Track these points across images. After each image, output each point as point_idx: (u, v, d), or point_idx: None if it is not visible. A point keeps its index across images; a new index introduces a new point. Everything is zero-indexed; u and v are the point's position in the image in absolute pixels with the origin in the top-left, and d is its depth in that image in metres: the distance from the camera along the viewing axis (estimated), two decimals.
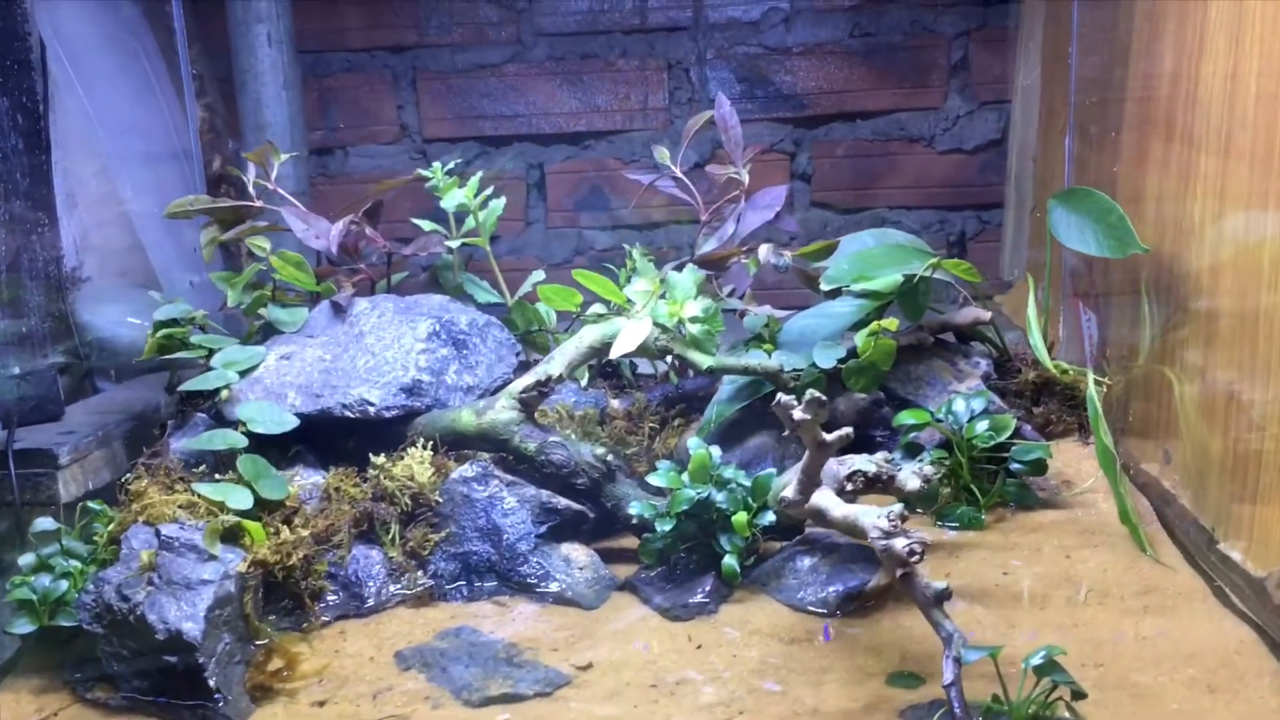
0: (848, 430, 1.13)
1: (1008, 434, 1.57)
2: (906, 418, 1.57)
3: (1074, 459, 1.71)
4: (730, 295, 1.84)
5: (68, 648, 1.28)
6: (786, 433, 1.59)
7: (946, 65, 2.62)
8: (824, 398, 1.07)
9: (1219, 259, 1.37)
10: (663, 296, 1.57)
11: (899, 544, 1.10)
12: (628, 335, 1.48)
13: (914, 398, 1.73)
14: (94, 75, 2.30)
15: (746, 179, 1.79)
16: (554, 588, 1.41)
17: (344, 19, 2.70)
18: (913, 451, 1.57)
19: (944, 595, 1.10)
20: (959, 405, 1.59)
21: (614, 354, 1.48)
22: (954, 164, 2.71)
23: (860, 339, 1.61)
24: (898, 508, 1.20)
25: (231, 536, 1.32)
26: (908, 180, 2.73)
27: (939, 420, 1.59)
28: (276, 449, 1.56)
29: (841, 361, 1.62)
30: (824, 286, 1.63)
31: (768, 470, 1.41)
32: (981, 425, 1.55)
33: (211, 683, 1.18)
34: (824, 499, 1.27)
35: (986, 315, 1.79)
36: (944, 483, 1.59)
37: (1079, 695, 1.06)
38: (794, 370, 1.62)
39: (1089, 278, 1.86)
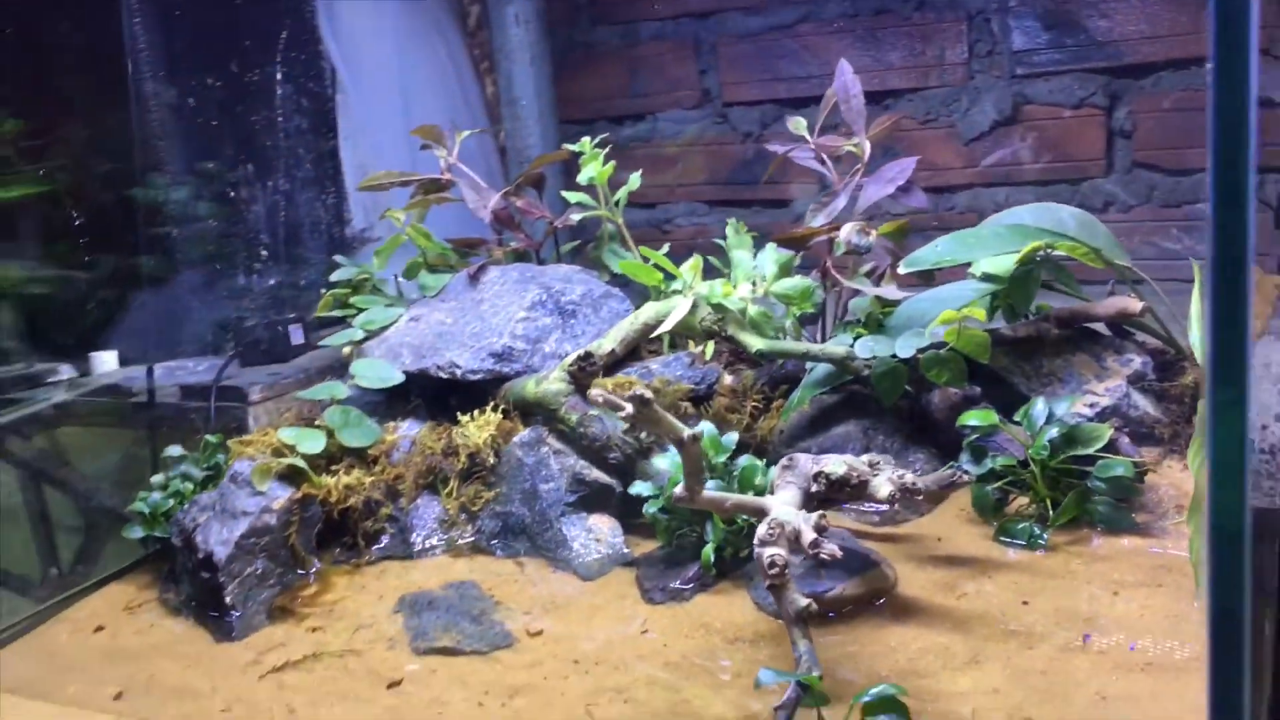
0: (700, 429, 1.08)
1: (1098, 445, 1.38)
2: (971, 418, 1.43)
3: None
4: (869, 275, 1.75)
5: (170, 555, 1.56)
6: (871, 423, 1.53)
7: None
8: (649, 395, 1.03)
9: None
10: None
11: (767, 553, 1.05)
12: (673, 314, 1.49)
13: (1039, 394, 1.56)
14: (403, 63, 2.63)
15: (868, 150, 1.69)
16: (566, 555, 1.47)
17: None
18: (978, 455, 1.44)
19: (804, 613, 1.03)
20: (1038, 408, 1.42)
21: (659, 332, 1.49)
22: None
23: (944, 327, 1.48)
24: (814, 516, 1.13)
25: (293, 476, 1.52)
26: (1260, 136, 2.35)
27: (1016, 423, 1.43)
28: (401, 401, 1.75)
29: (922, 351, 1.50)
30: (903, 269, 1.51)
31: (754, 461, 1.36)
32: (1050, 433, 1.38)
33: (228, 600, 1.39)
34: (776, 500, 1.22)
35: (1137, 306, 1.56)
36: (1022, 493, 1.43)
37: None
38: (869, 357, 1.52)
39: None
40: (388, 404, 1.75)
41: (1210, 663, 0.70)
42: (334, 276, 1.91)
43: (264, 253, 2.27)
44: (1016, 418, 1.43)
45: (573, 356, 1.55)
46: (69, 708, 1.24)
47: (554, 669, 1.23)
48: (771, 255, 1.57)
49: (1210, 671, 0.71)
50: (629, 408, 1.01)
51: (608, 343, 1.54)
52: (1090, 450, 1.38)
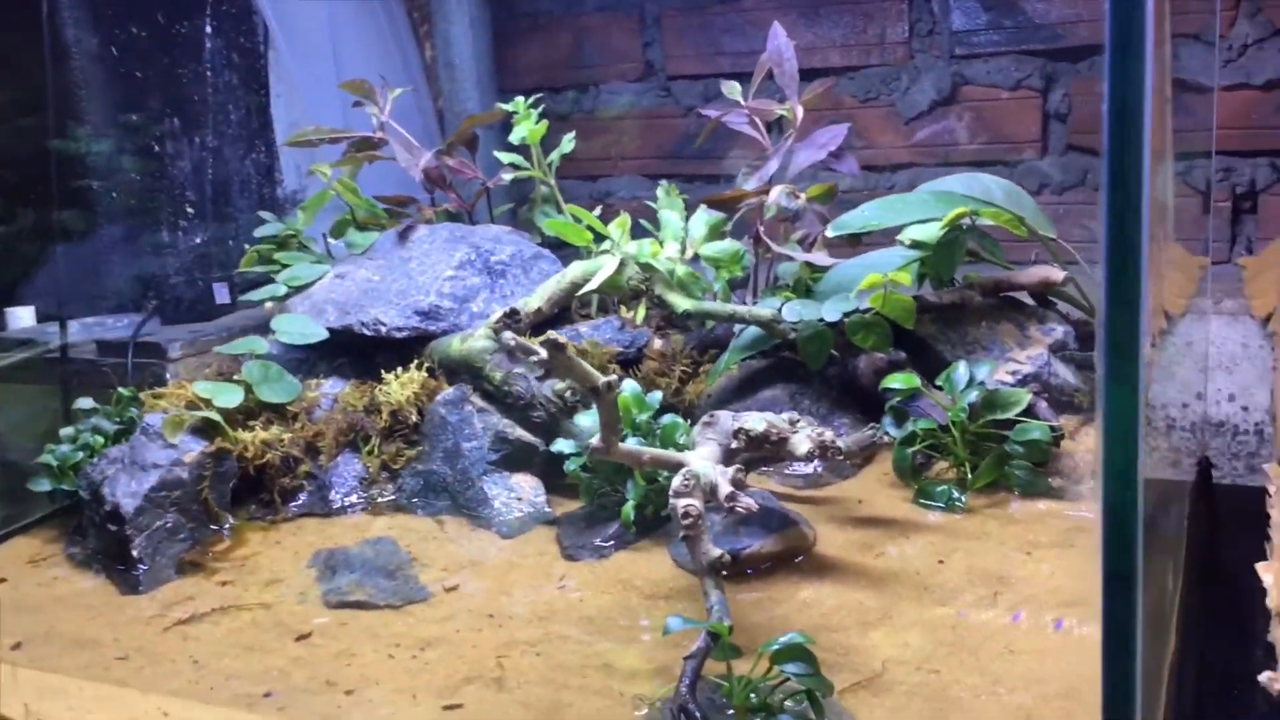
0: (615, 378, 1.07)
1: (1016, 410, 1.39)
2: (894, 381, 1.43)
3: None
4: (801, 242, 1.75)
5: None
6: (798, 387, 1.53)
7: None
8: (562, 340, 1.02)
9: None
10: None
11: (681, 504, 1.04)
12: (599, 273, 1.47)
13: (963, 361, 1.56)
14: (338, 23, 2.57)
15: (800, 115, 1.68)
16: (486, 513, 1.45)
17: None
18: (899, 418, 1.44)
19: (717, 563, 1.02)
20: (959, 372, 1.43)
21: (583, 291, 1.48)
22: (1241, 102, 2.30)
23: (869, 292, 1.48)
24: (731, 470, 1.12)
25: (208, 430, 1.49)
26: (1185, 122, 2.37)
27: (938, 388, 1.44)
28: (325, 359, 1.72)
29: (848, 315, 1.50)
30: (831, 233, 1.51)
31: (676, 419, 1.35)
32: (970, 396, 1.38)
33: (135, 553, 1.36)
34: (695, 455, 1.21)
35: (1059, 275, 1.58)
36: (943, 457, 1.44)
37: (825, 691, 0.96)
38: (795, 321, 1.52)
39: None
40: (311, 362, 1.72)
41: (1104, 624, 0.71)
42: (259, 232, 1.87)
43: (189, 209, 2.21)
44: (939, 382, 1.44)
45: (498, 314, 1.53)
46: None
47: (467, 622, 1.22)
48: (702, 218, 1.56)
49: (1104, 631, 0.72)
50: (542, 352, 1.00)
51: (534, 300, 1.53)
52: (1009, 414, 1.39)
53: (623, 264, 1.50)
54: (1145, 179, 0.66)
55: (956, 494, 1.38)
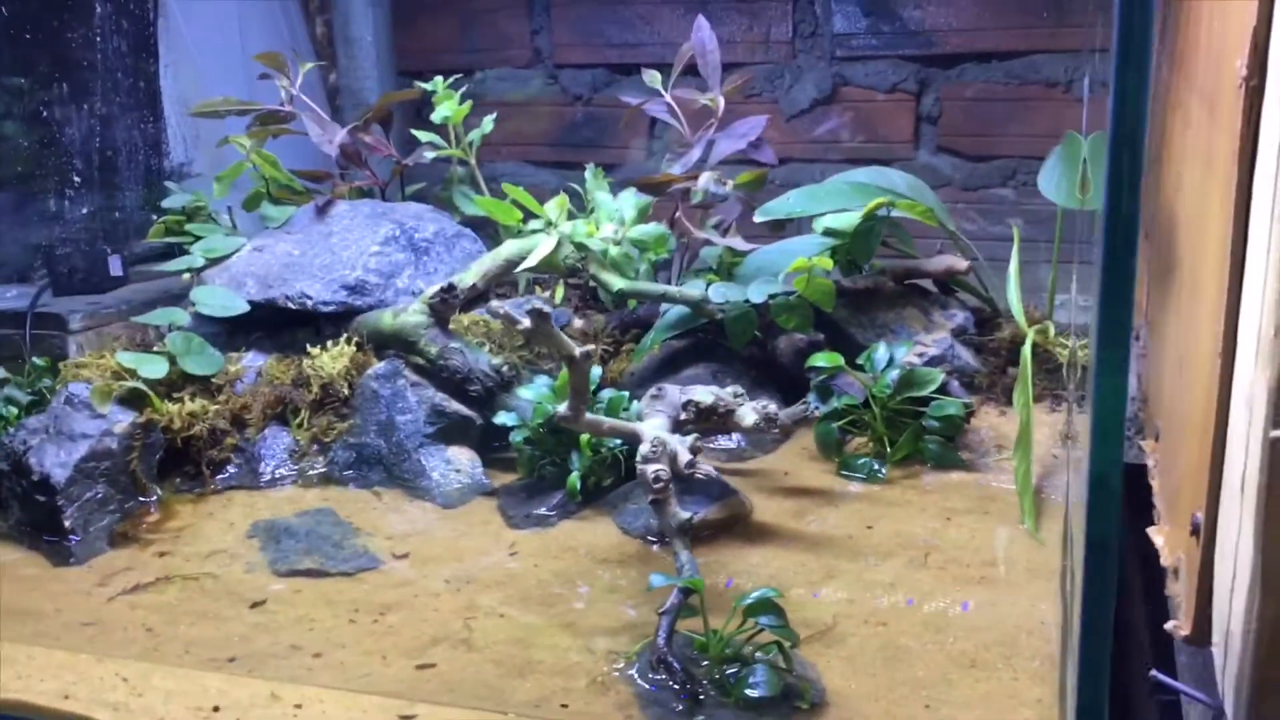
0: (591, 347, 1.12)
1: (931, 388, 1.49)
2: (819, 360, 1.51)
3: None
4: (715, 228, 1.82)
5: None
6: (719, 366, 1.59)
7: (1090, 2, 2.41)
8: (547, 309, 1.06)
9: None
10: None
11: (651, 469, 1.09)
12: (536, 251, 1.51)
13: (875, 344, 1.66)
14: None
15: (721, 106, 1.75)
16: (425, 485, 1.47)
17: None
18: (824, 395, 1.52)
19: (686, 525, 1.08)
20: (880, 353, 1.52)
21: (520, 269, 1.51)
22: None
23: (794, 277, 1.56)
24: (690, 439, 1.18)
25: (135, 401, 1.46)
26: (1041, 128, 2.54)
27: (859, 367, 1.53)
28: (241, 333, 1.69)
29: (773, 297, 1.58)
30: (758, 218, 1.59)
31: (618, 393, 1.40)
32: (891, 375, 1.48)
33: (68, 524, 1.33)
34: (647, 426, 1.26)
35: (963, 264, 1.69)
36: (862, 432, 1.53)
37: (792, 642, 1.03)
38: (722, 302, 1.59)
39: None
40: (227, 335, 1.70)
41: (1085, 585, 0.80)
42: (166, 203, 1.83)
43: (77, 178, 2.14)
44: (860, 361, 1.53)
45: (434, 289, 1.55)
46: None
47: (425, 587, 1.24)
48: (630, 200, 1.61)
49: (1085, 592, 0.80)
50: (527, 321, 1.03)
51: (469, 276, 1.55)
52: (925, 392, 1.49)
53: (559, 243, 1.54)
54: (1140, 183, 0.74)
55: (877, 466, 1.48)
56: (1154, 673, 1.08)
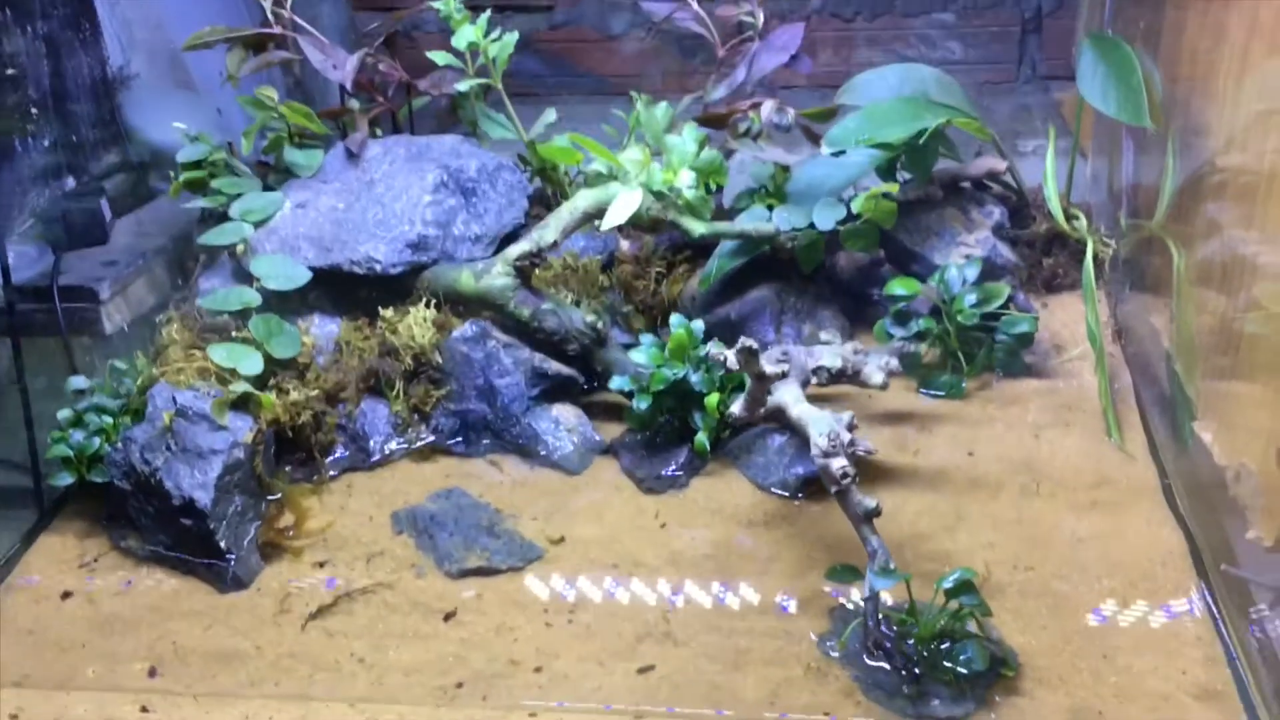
0: (784, 367, 1.18)
1: (999, 303, 1.59)
2: (896, 287, 1.59)
3: (1072, 318, 1.73)
4: (744, 135, 1.82)
5: (105, 496, 1.44)
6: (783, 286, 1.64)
7: None
8: (755, 346, 1.11)
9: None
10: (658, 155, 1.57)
11: (835, 464, 1.17)
12: (620, 205, 1.51)
13: (920, 249, 1.74)
14: None
15: (762, 18, 1.72)
16: (542, 450, 1.51)
17: None
18: (902, 320, 1.60)
19: (874, 513, 1.17)
20: (952, 273, 1.60)
21: (605, 225, 1.51)
22: None
23: (860, 202, 1.60)
24: (846, 416, 1.26)
25: (243, 403, 1.44)
26: None
27: (917, 275, 1.61)
28: (296, 297, 1.65)
29: (841, 223, 1.63)
30: (825, 149, 1.61)
31: (688, 325, 1.45)
32: (970, 298, 1.56)
33: (222, 544, 1.34)
34: (787, 395, 1.33)
35: (1002, 165, 1.76)
36: (932, 347, 1.62)
37: (986, 614, 1.15)
38: (792, 231, 1.63)
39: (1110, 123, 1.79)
40: (280, 300, 1.65)
41: None
42: (182, 156, 1.72)
43: (34, 110, 1.97)
44: (932, 280, 1.61)
45: (517, 250, 1.54)
46: (108, 693, 1.18)
47: (597, 577, 1.31)
48: (691, 134, 1.61)
49: None
50: (733, 362, 1.08)
51: (550, 234, 1.54)
52: (995, 306, 1.59)
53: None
54: None
55: (956, 382, 1.58)
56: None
